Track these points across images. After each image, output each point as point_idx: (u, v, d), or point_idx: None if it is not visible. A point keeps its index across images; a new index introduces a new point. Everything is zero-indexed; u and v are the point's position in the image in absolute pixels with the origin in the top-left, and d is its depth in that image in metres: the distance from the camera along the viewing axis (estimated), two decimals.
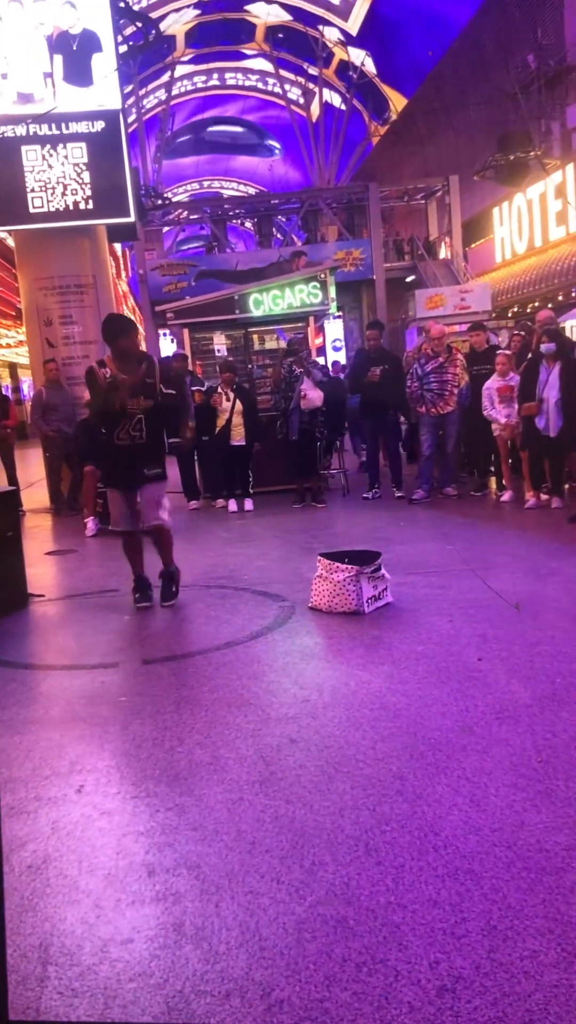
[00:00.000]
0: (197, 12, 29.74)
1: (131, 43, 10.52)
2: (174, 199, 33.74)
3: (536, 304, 17.66)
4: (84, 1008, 1.64)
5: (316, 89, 31.91)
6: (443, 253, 25.71)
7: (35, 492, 9.25)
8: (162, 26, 23.42)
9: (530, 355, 6.86)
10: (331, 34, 30.07)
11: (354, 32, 29.39)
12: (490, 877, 1.93)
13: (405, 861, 2.02)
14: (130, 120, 25.66)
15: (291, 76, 33.59)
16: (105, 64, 8.82)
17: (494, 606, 4.04)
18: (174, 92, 34.01)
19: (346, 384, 9.34)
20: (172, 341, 16.25)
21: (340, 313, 17.79)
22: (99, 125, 8.84)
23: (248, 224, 31.52)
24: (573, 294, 16.78)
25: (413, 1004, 1.57)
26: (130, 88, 25.61)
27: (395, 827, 2.16)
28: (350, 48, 30.09)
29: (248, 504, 7.92)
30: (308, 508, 7.71)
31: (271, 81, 34.73)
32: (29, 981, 1.72)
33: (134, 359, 4.47)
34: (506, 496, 7.02)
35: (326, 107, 32.11)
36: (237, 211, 29.83)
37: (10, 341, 24.35)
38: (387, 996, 1.59)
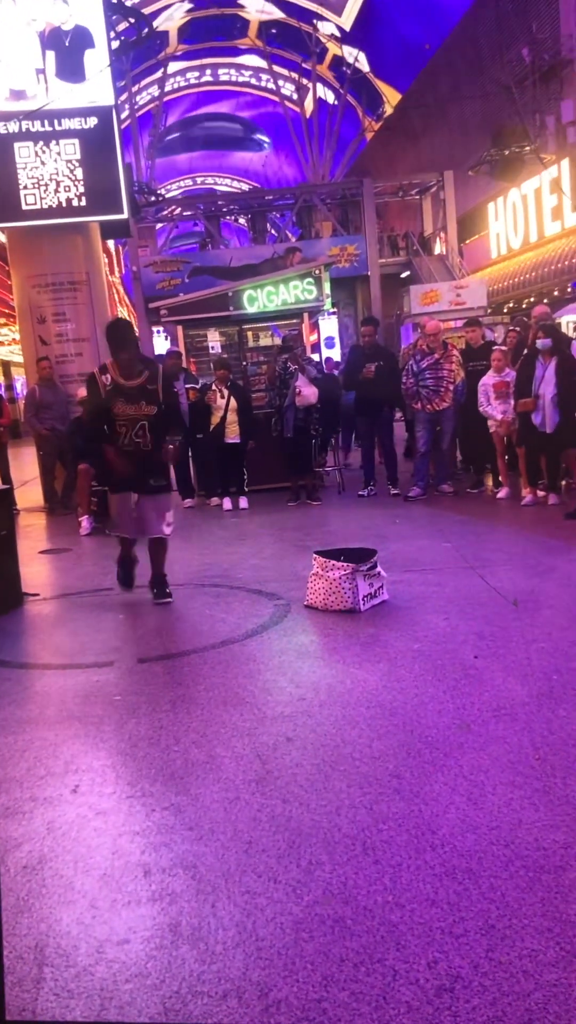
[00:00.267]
0: (190, 6, 29.60)
1: (124, 39, 10.46)
2: (167, 195, 33.64)
3: (532, 300, 17.67)
4: (80, 1009, 1.63)
5: (310, 85, 31.82)
6: (438, 249, 25.69)
7: (29, 491, 9.22)
8: (155, 22, 23.32)
9: (526, 351, 6.85)
10: (325, 29, 29.98)
11: (347, 27, 29.31)
12: (488, 876, 1.92)
13: (402, 860, 2.01)
14: (123, 116, 25.57)
15: (284, 72, 33.49)
16: (98, 60, 8.76)
17: (490, 603, 4.04)
18: (167, 88, 33.89)
19: (340, 381, 9.32)
20: (166, 338, 16.21)
21: (335, 309, 17.75)
22: (92, 121, 8.79)
23: (242, 220, 31.42)
24: (569, 289, 16.78)
25: (411, 1004, 1.56)
26: (123, 84, 25.50)
27: (392, 826, 2.16)
28: (343, 43, 30.02)
29: (243, 502, 7.90)
30: (303, 506, 7.69)
31: (264, 77, 34.63)
32: (25, 982, 1.71)
33: (137, 365, 4.48)
34: (502, 493, 7.02)
35: (320, 103, 32.03)
36: (231, 207, 29.75)
37: (3, 339, 24.25)
38: (385, 996, 1.58)
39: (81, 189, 8.77)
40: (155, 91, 33.61)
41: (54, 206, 8.77)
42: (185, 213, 28.48)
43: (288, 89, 33.83)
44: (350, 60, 29.97)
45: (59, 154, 8.73)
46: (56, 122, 8.71)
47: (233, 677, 3.37)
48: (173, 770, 2.58)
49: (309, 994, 1.61)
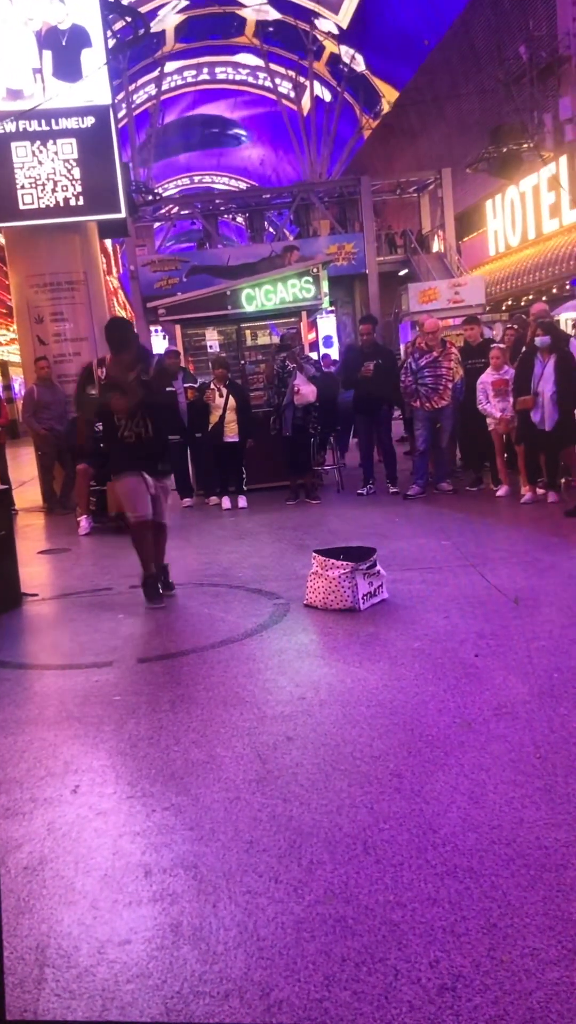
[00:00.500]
0: (186, 3, 29.53)
1: (120, 38, 10.44)
2: (165, 194, 33.59)
3: (530, 297, 17.67)
4: (82, 1010, 1.62)
5: (307, 83, 31.78)
6: (436, 246, 25.69)
7: (27, 491, 9.20)
8: (152, 22, 23.28)
9: (524, 348, 6.84)
10: (322, 26, 29.94)
11: (344, 25, 29.28)
12: (489, 874, 1.92)
13: (404, 859, 2.01)
14: (120, 115, 25.53)
15: (281, 70, 33.45)
16: (95, 59, 8.75)
17: (491, 602, 4.04)
18: (164, 87, 33.83)
19: (338, 379, 9.31)
20: (164, 338, 16.19)
21: (333, 308, 17.74)
22: (89, 121, 8.77)
23: (240, 219, 31.40)
24: (568, 286, 16.78)
25: (413, 1003, 1.56)
26: (119, 83, 25.44)
27: (393, 825, 2.15)
28: (340, 42, 29.98)
29: (242, 501, 7.90)
30: (302, 504, 7.69)
31: (262, 75, 34.58)
32: (26, 983, 1.70)
33: (133, 361, 4.52)
34: (502, 491, 7.01)
35: (317, 101, 32.00)
36: (228, 206, 29.72)
37: (1, 339, 24.22)
38: (387, 995, 1.58)
39: (78, 188, 8.76)
40: (152, 90, 33.56)
41: (51, 206, 8.76)
42: (183, 212, 28.46)
43: (285, 87, 33.79)
44: (347, 58, 29.94)
45: (56, 153, 8.71)
46: (53, 121, 8.70)
47: (233, 677, 3.36)
48: (173, 770, 2.58)
49: (311, 994, 1.61)
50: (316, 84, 31.99)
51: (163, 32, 30.30)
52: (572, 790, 2.25)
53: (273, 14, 30.21)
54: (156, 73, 32.75)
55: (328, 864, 2.01)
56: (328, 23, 29.66)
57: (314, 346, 10.62)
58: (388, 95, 30.39)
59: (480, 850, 2.01)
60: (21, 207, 8.73)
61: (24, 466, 10.30)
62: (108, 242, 24.07)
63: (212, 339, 9.58)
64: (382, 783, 2.37)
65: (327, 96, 32.53)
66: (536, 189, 18.39)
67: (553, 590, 4.21)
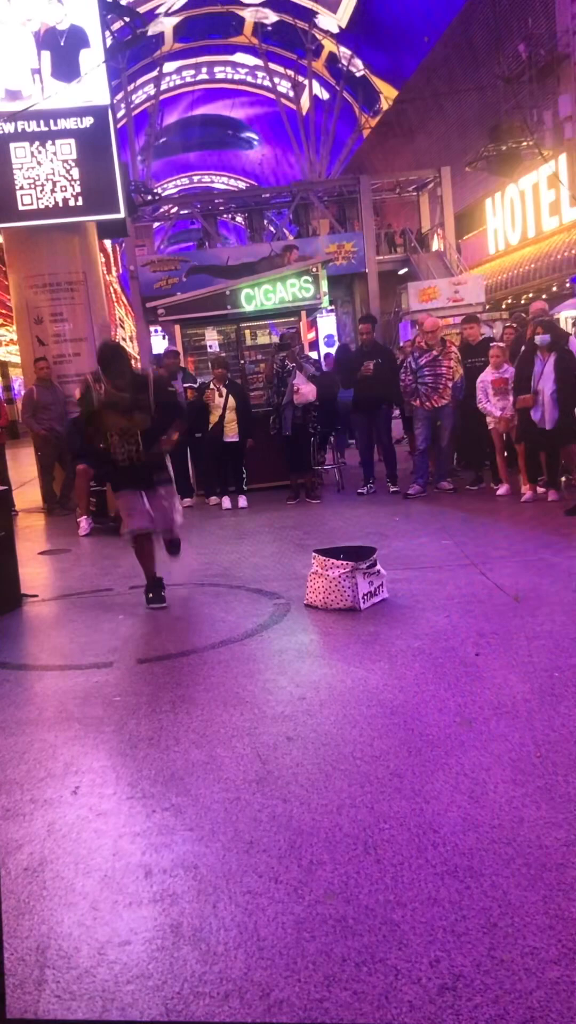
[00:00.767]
0: (184, 1, 29.51)
1: (118, 38, 10.44)
2: (164, 194, 33.60)
3: (530, 295, 17.66)
4: (82, 1011, 1.62)
5: (306, 82, 31.76)
6: (436, 245, 25.67)
7: (27, 492, 9.20)
8: (150, 23, 23.26)
9: (523, 347, 6.84)
10: (321, 24, 29.92)
11: (343, 24, 29.26)
12: (490, 874, 1.92)
13: (404, 859, 2.01)
14: (119, 115, 25.51)
15: (280, 69, 33.43)
16: (93, 60, 8.74)
17: (491, 600, 4.03)
18: (163, 87, 33.82)
19: (337, 378, 9.30)
20: (164, 337, 16.19)
21: (332, 307, 17.74)
22: (88, 121, 8.77)
23: (239, 219, 31.39)
24: (567, 284, 16.76)
25: (414, 1003, 1.56)
26: (118, 83, 25.45)
27: (393, 824, 2.15)
28: (338, 40, 29.96)
29: (242, 501, 7.89)
30: (302, 504, 7.68)
31: (260, 75, 34.57)
32: (27, 984, 1.70)
33: (128, 378, 4.45)
34: (502, 490, 7.00)
35: (316, 100, 31.98)
36: (228, 205, 29.71)
37: (1, 340, 24.23)
38: (387, 995, 1.58)
39: (77, 189, 8.76)
40: (151, 90, 33.55)
41: (50, 206, 8.76)
42: (182, 212, 28.46)
43: (284, 86, 33.77)
44: (346, 57, 29.92)
45: (55, 154, 8.71)
46: (52, 122, 8.70)
47: (233, 677, 3.36)
48: (173, 771, 2.58)
49: (311, 994, 1.61)
50: (315, 83, 31.97)
51: (161, 32, 30.29)
52: (572, 789, 2.25)
53: (272, 15, 30.20)
54: (155, 73, 32.74)
55: (328, 864, 2.01)
56: (327, 21, 29.65)
57: (314, 345, 10.60)
58: (387, 93, 30.37)
59: (480, 849, 2.01)
60: (20, 208, 8.73)
61: (24, 467, 10.30)
62: (107, 242, 24.08)
63: (212, 339, 9.58)
64: (382, 783, 2.37)
65: (326, 95, 32.51)
66: (536, 187, 18.39)
67: (554, 589, 4.20)
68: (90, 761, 2.73)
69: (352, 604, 4.04)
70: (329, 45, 31.06)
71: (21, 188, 8.69)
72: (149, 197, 25.30)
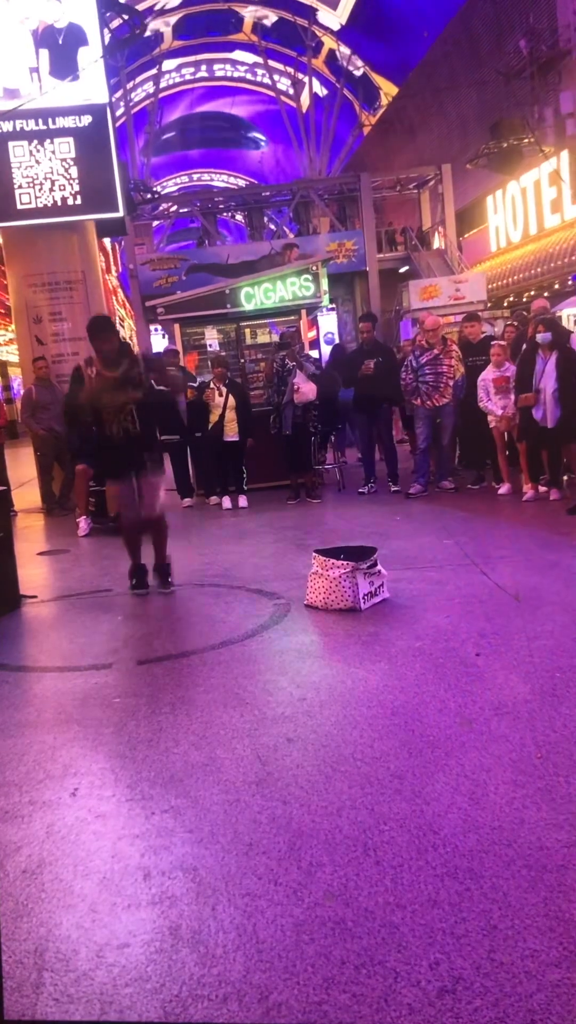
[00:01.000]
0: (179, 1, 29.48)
1: (117, 36, 10.42)
2: (164, 192, 33.57)
3: (532, 293, 17.63)
4: (80, 1014, 1.62)
5: (305, 79, 31.70)
6: (437, 243, 25.63)
7: (26, 492, 9.20)
8: (149, 20, 23.21)
9: (525, 345, 6.82)
10: (322, 20, 29.85)
11: (343, 21, 29.21)
12: (490, 876, 1.91)
13: (404, 861, 2.00)
14: (118, 114, 25.48)
15: (280, 67, 33.38)
16: (91, 58, 8.73)
17: (492, 600, 4.03)
18: (162, 85, 33.77)
19: (338, 377, 9.28)
20: (163, 336, 16.17)
21: (333, 305, 17.72)
22: (86, 120, 8.76)
23: (239, 217, 31.35)
24: (569, 282, 16.73)
25: (413, 1006, 1.55)
26: (117, 81, 25.41)
27: (394, 826, 2.14)
28: (338, 37, 29.90)
29: (242, 501, 7.88)
30: (303, 504, 7.67)
31: (260, 72, 34.52)
32: (24, 987, 1.70)
33: (117, 356, 4.59)
34: (504, 489, 6.99)
35: (316, 97, 31.92)
36: (228, 204, 29.67)
37: None
38: (387, 998, 1.58)
39: (76, 188, 8.74)
40: (150, 88, 33.51)
41: (49, 205, 8.75)
42: (182, 210, 28.42)
43: (284, 84, 33.72)
44: (346, 54, 29.87)
45: (54, 153, 8.70)
46: (50, 120, 8.69)
47: (233, 678, 3.35)
48: (173, 772, 2.57)
49: (310, 996, 1.60)
50: (315, 80, 31.91)
51: (160, 30, 30.23)
52: (573, 791, 2.24)
53: (272, 12, 30.14)
54: (154, 71, 32.69)
55: (328, 866, 2.00)
56: (328, 18, 29.59)
57: (315, 344, 10.59)
58: (388, 90, 30.31)
59: (480, 851, 2.01)
60: (19, 207, 8.72)
61: (23, 467, 10.30)
62: (107, 240, 24.05)
63: (211, 338, 9.57)
64: (382, 784, 2.36)
65: (326, 92, 32.44)
66: (537, 184, 18.34)
67: (555, 588, 4.19)
68: (89, 763, 2.73)
69: (353, 604, 4.04)
70: (329, 42, 31.01)
71: (19, 187, 8.69)
72: (148, 195, 25.30)
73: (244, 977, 1.66)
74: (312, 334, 10.00)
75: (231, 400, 7.72)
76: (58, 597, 5.17)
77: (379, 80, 30.75)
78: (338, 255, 23.07)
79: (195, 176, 45.05)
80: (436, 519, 6.28)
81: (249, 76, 36.45)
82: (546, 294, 15.56)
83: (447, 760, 2.47)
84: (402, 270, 25.05)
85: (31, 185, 8.70)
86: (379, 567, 4.18)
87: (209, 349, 9.53)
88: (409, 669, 3.24)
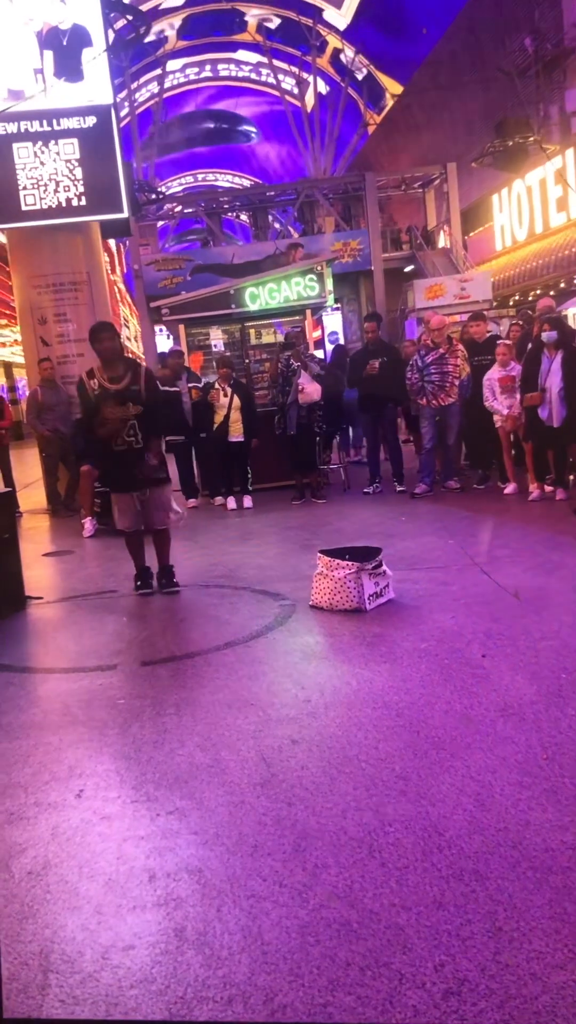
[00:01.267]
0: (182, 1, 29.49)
1: (121, 36, 10.43)
2: (168, 193, 33.58)
3: (538, 292, 17.54)
4: (85, 1016, 1.62)
5: (310, 79, 31.67)
6: (442, 242, 25.55)
7: (32, 493, 9.23)
8: (154, 21, 23.26)
9: (530, 345, 6.80)
10: (326, 18, 29.81)
11: (348, 20, 29.17)
12: (495, 877, 1.90)
13: (409, 862, 1.99)
14: (123, 114, 25.53)
15: (284, 66, 33.35)
16: (96, 60, 8.74)
17: (498, 601, 4.01)
18: (167, 85, 33.80)
19: (342, 377, 9.27)
20: (168, 337, 16.19)
21: (338, 305, 17.69)
22: (90, 121, 8.77)
23: (243, 217, 31.34)
24: (575, 281, 16.67)
25: (418, 1008, 1.55)
26: (121, 81, 25.43)
27: (399, 828, 2.14)
28: (342, 36, 29.88)
29: (247, 501, 7.88)
30: (308, 504, 7.67)
31: (264, 71, 34.50)
32: (30, 989, 1.70)
33: (120, 366, 4.62)
34: (509, 489, 6.97)
35: (320, 97, 31.88)
36: (232, 203, 29.66)
37: (5, 340, 24.30)
38: (391, 1000, 1.57)
39: (81, 189, 8.76)
40: (155, 88, 33.54)
41: (54, 206, 8.77)
42: (186, 210, 28.42)
43: (288, 83, 33.70)
44: (350, 53, 29.83)
45: (58, 154, 8.72)
46: (55, 122, 8.71)
47: (238, 679, 3.35)
48: (178, 774, 2.57)
49: (315, 998, 1.60)
50: (319, 80, 31.87)
51: (164, 30, 30.27)
52: None
53: (276, 17, 30.13)
54: (158, 71, 32.73)
55: (333, 868, 2.00)
56: (332, 16, 29.55)
57: (320, 344, 10.57)
58: (392, 90, 30.26)
59: (486, 853, 2.00)
60: (23, 208, 8.74)
61: (28, 468, 10.33)
62: (111, 241, 24.08)
63: (216, 338, 9.57)
64: (388, 786, 2.36)
65: (330, 91, 32.40)
66: (543, 183, 18.26)
67: (561, 589, 4.18)
68: (94, 764, 2.73)
69: (358, 605, 4.03)
70: (334, 41, 30.96)
71: (24, 188, 8.71)
72: (153, 196, 25.30)
73: (249, 979, 1.66)
74: (317, 334, 9.97)
75: (236, 400, 7.72)
76: (63, 598, 5.18)
77: (384, 79, 30.70)
78: (343, 254, 23.03)
79: (200, 176, 45.06)
80: (441, 519, 6.27)
81: (254, 76, 36.45)
82: (552, 293, 15.49)
83: (452, 761, 2.46)
84: (407, 269, 24.99)
85: (36, 186, 8.72)
86: (384, 568, 4.17)
87: (214, 349, 9.53)
88: (414, 670, 3.24)
